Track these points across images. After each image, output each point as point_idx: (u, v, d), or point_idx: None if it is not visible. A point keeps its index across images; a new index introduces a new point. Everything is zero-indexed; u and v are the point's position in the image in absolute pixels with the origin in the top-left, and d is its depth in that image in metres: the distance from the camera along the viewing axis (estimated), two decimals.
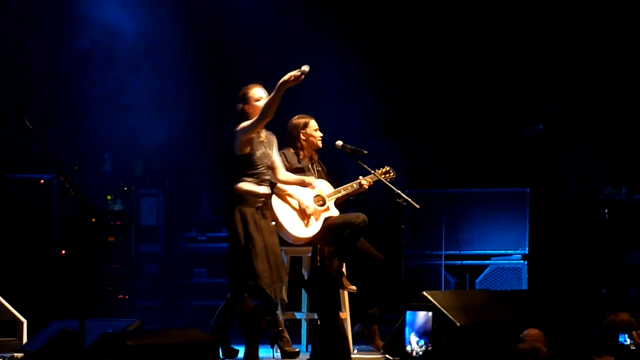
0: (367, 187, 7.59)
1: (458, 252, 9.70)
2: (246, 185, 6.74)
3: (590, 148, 10.99)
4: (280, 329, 6.94)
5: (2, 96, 9.56)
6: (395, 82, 11.28)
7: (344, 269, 7.46)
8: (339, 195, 7.57)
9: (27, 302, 8.16)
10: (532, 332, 6.22)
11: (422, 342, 6.28)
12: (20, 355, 6.73)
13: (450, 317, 6.57)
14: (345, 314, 7.49)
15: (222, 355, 6.92)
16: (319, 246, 7.27)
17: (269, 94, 6.66)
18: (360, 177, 7.60)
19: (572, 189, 10.27)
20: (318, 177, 7.61)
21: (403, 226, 7.28)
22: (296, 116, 7.64)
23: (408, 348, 6.28)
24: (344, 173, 8.94)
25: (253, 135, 6.74)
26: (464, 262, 9.73)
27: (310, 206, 7.36)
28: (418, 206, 7.37)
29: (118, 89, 10.47)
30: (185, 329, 6.08)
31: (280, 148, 7.46)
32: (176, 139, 10.61)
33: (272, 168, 6.94)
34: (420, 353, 6.21)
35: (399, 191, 7.39)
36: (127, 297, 10.10)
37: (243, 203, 6.71)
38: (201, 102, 10.66)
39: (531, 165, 10.33)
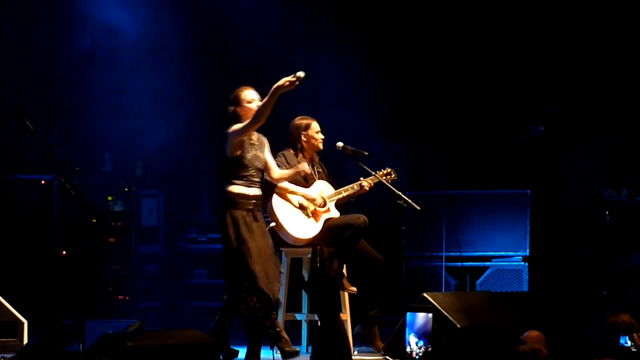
0: (367, 188, 7.59)
1: (458, 253, 9.69)
2: (236, 188, 6.74)
3: (591, 150, 10.99)
4: (278, 329, 6.93)
5: (2, 97, 9.55)
6: (396, 83, 11.28)
7: (344, 270, 7.45)
8: (340, 196, 7.56)
9: (27, 303, 8.16)
10: (533, 333, 6.22)
11: (421, 343, 6.28)
12: None
13: (450, 318, 6.56)
14: (346, 315, 7.48)
15: (222, 356, 6.91)
16: (318, 247, 7.28)
17: (264, 97, 6.64)
18: (362, 178, 7.60)
19: (572, 191, 10.26)
20: (318, 179, 7.61)
21: (403, 227, 7.29)
22: (298, 117, 7.63)
23: (408, 349, 6.28)
24: (344, 174, 8.94)
25: (244, 137, 6.75)
26: (464, 263, 9.73)
27: (318, 199, 7.37)
28: (419, 207, 7.36)
29: (119, 90, 10.48)
30: (185, 330, 6.08)
31: (280, 148, 7.46)
32: (176, 139, 10.61)
33: (266, 169, 6.95)
34: (420, 354, 6.21)
35: (400, 192, 7.39)
36: (127, 297, 10.09)
37: (234, 206, 6.72)
38: (201, 102, 10.66)
39: (532, 167, 10.33)
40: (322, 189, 7.54)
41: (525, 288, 9.54)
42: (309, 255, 7.43)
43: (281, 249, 7.58)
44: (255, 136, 6.86)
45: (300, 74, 6.46)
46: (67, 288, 9.30)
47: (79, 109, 10.52)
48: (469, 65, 11.24)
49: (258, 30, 11.06)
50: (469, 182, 10.49)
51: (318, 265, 6.95)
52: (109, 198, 10.13)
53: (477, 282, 9.74)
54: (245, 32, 11.04)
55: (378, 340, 7.48)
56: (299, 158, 7.55)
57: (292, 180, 7.40)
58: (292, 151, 7.56)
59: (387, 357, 6.88)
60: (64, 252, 9.49)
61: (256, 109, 6.72)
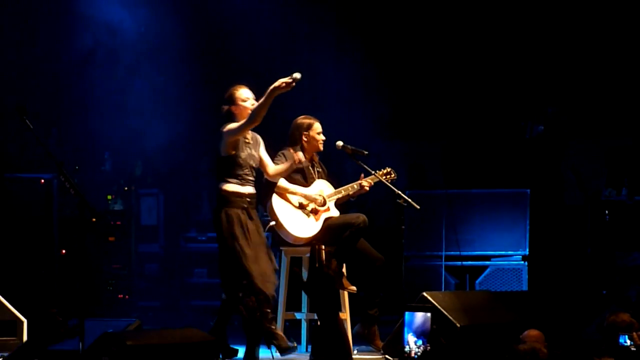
0: (368, 188, 7.59)
1: (458, 252, 9.69)
2: (231, 187, 6.75)
3: (591, 149, 10.99)
4: (273, 327, 6.90)
5: (2, 96, 9.55)
6: (396, 83, 11.28)
7: (344, 270, 7.45)
8: (340, 195, 7.56)
9: (27, 302, 8.15)
10: (533, 333, 6.22)
11: (420, 342, 6.28)
12: None
13: (450, 318, 6.57)
14: (345, 315, 7.48)
15: (221, 355, 6.91)
16: (316, 247, 7.27)
17: (262, 96, 6.64)
18: (362, 176, 7.59)
19: (572, 190, 10.26)
20: (318, 178, 7.61)
21: (403, 227, 7.29)
22: (301, 116, 7.62)
23: (406, 348, 6.28)
24: (343, 174, 8.94)
25: (239, 137, 6.75)
26: (464, 262, 9.73)
27: (318, 199, 7.37)
28: (418, 207, 7.36)
29: (119, 89, 10.48)
30: (185, 329, 6.08)
31: (280, 147, 7.46)
32: (176, 138, 10.61)
33: (262, 167, 6.95)
34: (419, 353, 6.20)
35: (400, 192, 7.39)
36: (127, 297, 10.10)
37: (229, 205, 6.72)
38: (201, 102, 10.66)
39: (532, 166, 10.32)
40: (321, 188, 7.54)
41: (524, 287, 9.54)
42: (309, 255, 7.43)
43: (281, 248, 7.58)
44: (250, 135, 6.86)
45: (297, 75, 6.46)
46: (67, 287, 9.30)
47: (79, 108, 10.52)
48: (469, 65, 11.25)
49: (258, 30, 11.06)
50: (469, 182, 10.49)
51: (316, 265, 6.94)
52: (109, 197, 10.13)
53: (477, 281, 9.74)
54: (246, 32, 11.04)
55: (378, 339, 7.48)
56: None
57: (292, 179, 7.41)
58: (292, 150, 7.55)
59: (386, 356, 6.88)
60: (64, 251, 9.49)
61: (251, 108, 6.72)
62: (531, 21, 11.12)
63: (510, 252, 9.67)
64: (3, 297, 7.55)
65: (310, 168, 7.59)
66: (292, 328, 7.85)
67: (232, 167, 6.76)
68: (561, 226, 10.05)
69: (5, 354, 6.40)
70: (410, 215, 9.22)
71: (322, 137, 7.58)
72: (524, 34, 11.11)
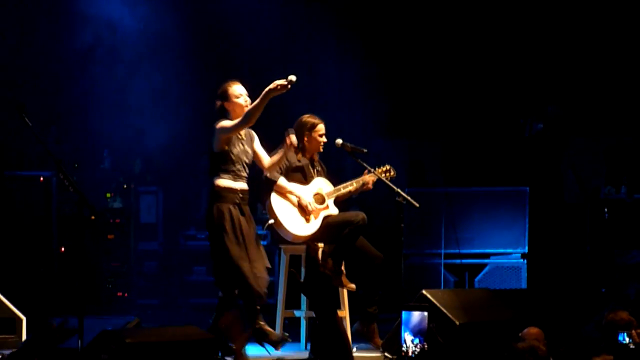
0: (371, 185, 7.58)
1: (457, 250, 9.70)
2: (223, 182, 6.76)
3: (590, 147, 10.98)
4: (261, 323, 6.87)
5: (1, 94, 9.55)
6: (395, 81, 11.28)
7: (343, 268, 7.45)
8: (339, 193, 7.56)
9: (26, 299, 8.16)
10: (533, 330, 6.22)
11: (417, 341, 6.28)
12: None
13: (449, 315, 6.57)
14: (344, 313, 7.48)
15: (220, 353, 6.91)
16: (311, 247, 7.27)
17: (259, 95, 6.63)
18: (366, 172, 7.58)
19: (571, 188, 10.26)
20: (317, 176, 7.60)
21: (402, 225, 7.26)
22: (307, 115, 7.60)
23: (404, 347, 6.28)
24: (342, 172, 8.93)
25: (231, 135, 6.77)
26: (463, 260, 9.73)
27: (312, 203, 7.37)
28: (418, 205, 7.35)
29: (118, 87, 10.47)
30: (184, 327, 6.08)
31: (279, 146, 7.44)
32: (176, 136, 10.60)
33: (257, 161, 6.95)
34: (417, 352, 6.20)
35: (399, 190, 7.38)
36: (126, 294, 10.10)
37: (221, 200, 6.73)
38: (201, 100, 10.65)
39: (531, 164, 10.33)
40: (320, 186, 7.53)
41: (523, 285, 9.55)
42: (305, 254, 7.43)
43: (280, 246, 7.58)
44: (243, 131, 6.86)
45: (292, 77, 6.47)
46: (66, 285, 9.30)
47: (78, 106, 10.51)
48: (468, 63, 11.24)
49: (259, 29, 11.05)
50: (468, 180, 10.49)
51: (312, 265, 6.95)
52: (108, 195, 10.13)
53: (476, 279, 9.74)
54: (246, 31, 11.03)
55: (377, 337, 7.48)
56: (298, 156, 7.55)
57: (291, 178, 7.40)
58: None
59: (385, 354, 6.88)
60: (63, 249, 9.49)
61: (244, 104, 6.73)
62: (530, 19, 11.11)
63: (509, 250, 9.68)
64: (2, 294, 7.56)
65: (310, 167, 7.58)
66: (292, 326, 7.85)
67: (224, 163, 6.77)
68: (560, 224, 10.06)
69: (5, 352, 6.41)
70: (410, 213, 9.22)
71: (323, 139, 7.57)
72: (523, 32, 11.11)
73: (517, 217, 9.67)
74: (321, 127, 7.56)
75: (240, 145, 6.82)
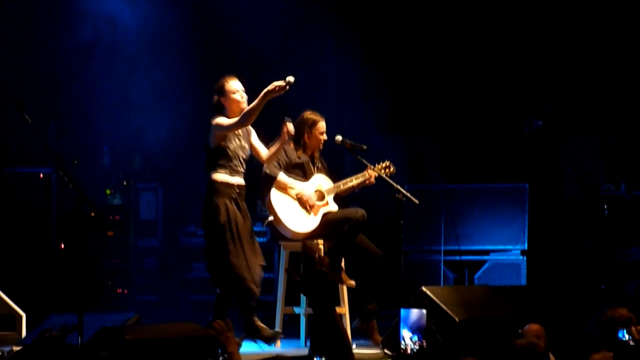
0: (374, 180, 7.58)
1: (457, 247, 9.70)
2: (220, 177, 6.78)
3: (590, 144, 10.98)
4: (255, 319, 6.86)
5: (1, 90, 9.54)
6: (395, 78, 11.27)
7: (342, 264, 7.45)
8: (339, 190, 7.55)
9: (25, 296, 8.17)
10: (533, 327, 6.21)
11: (415, 338, 6.28)
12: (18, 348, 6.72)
13: (449, 312, 6.57)
14: (344, 309, 7.48)
15: (220, 350, 6.91)
16: (308, 245, 7.25)
17: (260, 94, 6.62)
18: (369, 167, 7.57)
19: (571, 185, 10.26)
20: (317, 173, 7.60)
21: (402, 221, 7.27)
22: (309, 111, 7.59)
23: (402, 344, 6.28)
24: (342, 168, 8.93)
25: (227, 133, 6.78)
26: (463, 257, 9.73)
27: (312, 197, 7.37)
28: (417, 201, 7.36)
29: (118, 84, 10.46)
30: (183, 324, 6.08)
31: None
32: (175, 133, 10.59)
33: (256, 155, 6.96)
34: (415, 349, 6.20)
35: (399, 186, 7.38)
36: (125, 291, 10.09)
37: (218, 194, 6.74)
38: (201, 96, 10.64)
39: (530, 161, 10.33)
40: (320, 182, 7.53)
41: (523, 282, 9.55)
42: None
43: (280, 242, 7.58)
44: None
45: (291, 78, 6.49)
46: (66, 281, 9.30)
47: (78, 102, 10.50)
48: (468, 60, 11.23)
49: (259, 27, 11.04)
50: (468, 176, 10.49)
51: (309, 264, 6.94)
52: (108, 191, 10.12)
53: (476, 275, 9.75)
54: (247, 28, 11.02)
55: (376, 333, 7.48)
56: (298, 153, 7.55)
57: (291, 174, 7.40)
58: (292, 145, 7.54)
59: (385, 350, 6.88)
60: (62, 246, 9.49)
61: (240, 100, 6.75)
62: (530, 17, 11.10)
63: (509, 247, 9.68)
64: (2, 291, 7.57)
65: (310, 164, 7.58)
66: (291, 322, 7.85)
67: (221, 158, 6.78)
68: (560, 221, 10.06)
69: (5, 348, 6.41)
70: (409, 210, 9.23)
71: (323, 137, 7.57)
72: (522, 30, 11.09)
73: (517, 213, 9.67)
74: (322, 125, 7.57)
75: (237, 140, 6.82)
